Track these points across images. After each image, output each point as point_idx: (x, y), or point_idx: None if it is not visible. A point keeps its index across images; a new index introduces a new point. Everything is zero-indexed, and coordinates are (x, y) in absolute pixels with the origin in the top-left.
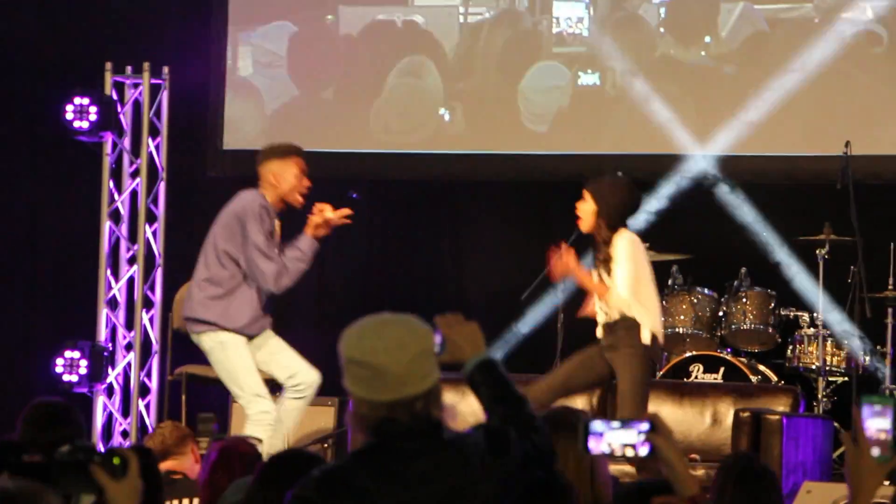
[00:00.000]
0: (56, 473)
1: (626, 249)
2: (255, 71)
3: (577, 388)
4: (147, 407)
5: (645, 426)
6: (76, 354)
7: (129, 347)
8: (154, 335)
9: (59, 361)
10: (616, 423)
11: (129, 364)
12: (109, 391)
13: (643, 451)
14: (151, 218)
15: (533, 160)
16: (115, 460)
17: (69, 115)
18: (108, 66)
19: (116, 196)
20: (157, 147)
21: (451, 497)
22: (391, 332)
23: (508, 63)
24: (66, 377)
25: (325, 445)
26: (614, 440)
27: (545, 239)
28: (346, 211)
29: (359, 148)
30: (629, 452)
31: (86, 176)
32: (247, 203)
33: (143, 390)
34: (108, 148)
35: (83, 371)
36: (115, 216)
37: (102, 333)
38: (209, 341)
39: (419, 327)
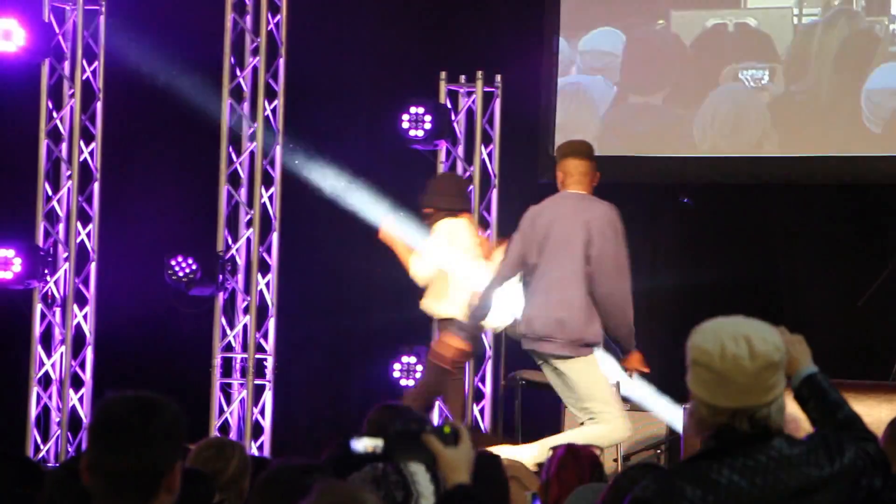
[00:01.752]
0: (391, 445)
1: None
2: (587, 76)
3: None
4: (481, 412)
5: None
6: (412, 360)
7: None
8: (487, 341)
9: (397, 367)
10: None
11: (463, 369)
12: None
13: None
14: (484, 224)
15: (868, 162)
16: (447, 430)
17: (405, 125)
18: (443, 75)
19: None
20: (489, 154)
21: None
22: (743, 339)
23: (844, 64)
24: (403, 381)
25: (658, 451)
26: None
27: (878, 242)
28: None
29: (689, 153)
30: None
31: (420, 183)
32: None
33: (478, 395)
34: (442, 156)
35: (419, 376)
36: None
37: None
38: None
39: (772, 338)
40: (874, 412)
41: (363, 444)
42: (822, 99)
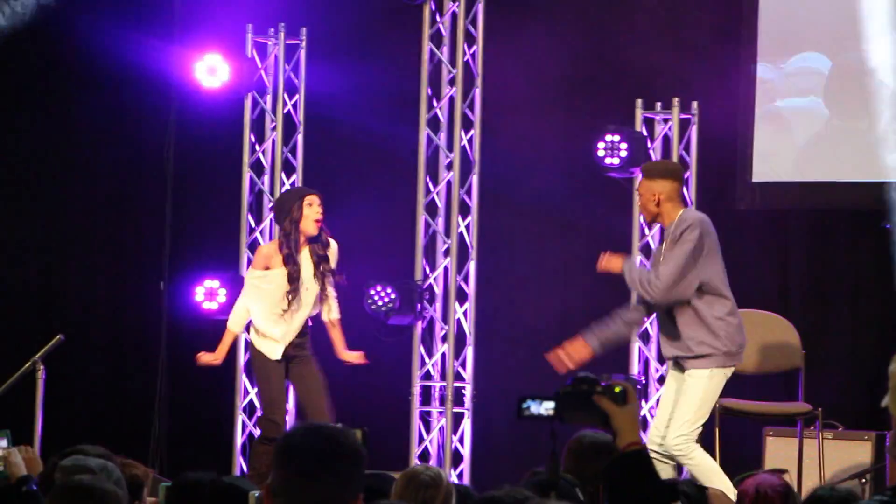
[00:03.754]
0: (561, 405)
1: None
2: (786, 102)
3: None
4: None
5: None
6: None
7: (661, 381)
8: None
9: None
10: None
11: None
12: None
13: None
14: None
15: None
16: (617, 389)
17: (601, 152)
18: (639, 102)
19: (646, 231)
20: (686, 181)
21: None
22: None
23: None
24: None
25: (863, 480)
26: None
27: None
28: None
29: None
30: None
31: (615, 211)
32: None
33: None
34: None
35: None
36: (646, 251)
37: (635, 367)
38: None
39: None
40: None
41: (538, 408)
42: None
